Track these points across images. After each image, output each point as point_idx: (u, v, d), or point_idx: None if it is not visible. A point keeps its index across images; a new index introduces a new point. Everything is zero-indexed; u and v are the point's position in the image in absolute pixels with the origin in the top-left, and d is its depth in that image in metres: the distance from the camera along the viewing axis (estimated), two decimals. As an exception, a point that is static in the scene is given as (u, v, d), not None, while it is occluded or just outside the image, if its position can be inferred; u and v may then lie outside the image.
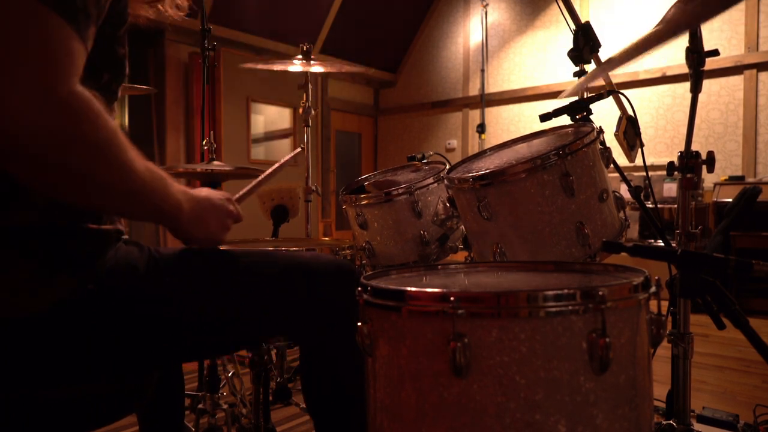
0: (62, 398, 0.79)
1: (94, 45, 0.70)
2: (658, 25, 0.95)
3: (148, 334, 0.82)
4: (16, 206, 0.72)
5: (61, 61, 0.62)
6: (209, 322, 0.88)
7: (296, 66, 2.43)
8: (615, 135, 1.58)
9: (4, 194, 0.72)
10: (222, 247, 0.99)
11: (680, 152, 1.21)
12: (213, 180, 2.04)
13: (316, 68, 2.45)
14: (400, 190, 1.54)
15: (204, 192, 0.92)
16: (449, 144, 6.69)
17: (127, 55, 0.84)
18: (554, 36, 5.80)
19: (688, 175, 1.19)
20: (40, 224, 0.74)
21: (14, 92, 0.58)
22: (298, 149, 1.39)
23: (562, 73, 5.61)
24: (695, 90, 1.20)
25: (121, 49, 0.81)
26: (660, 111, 5.21)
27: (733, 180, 4.40)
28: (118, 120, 4.89)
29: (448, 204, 1.42)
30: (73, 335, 0.76)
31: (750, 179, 4.53)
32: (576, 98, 1.49)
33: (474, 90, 6.47)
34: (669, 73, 5.07)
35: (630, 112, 1.59)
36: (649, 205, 4.06)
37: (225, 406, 1.83)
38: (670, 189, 4.57)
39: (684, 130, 1.22)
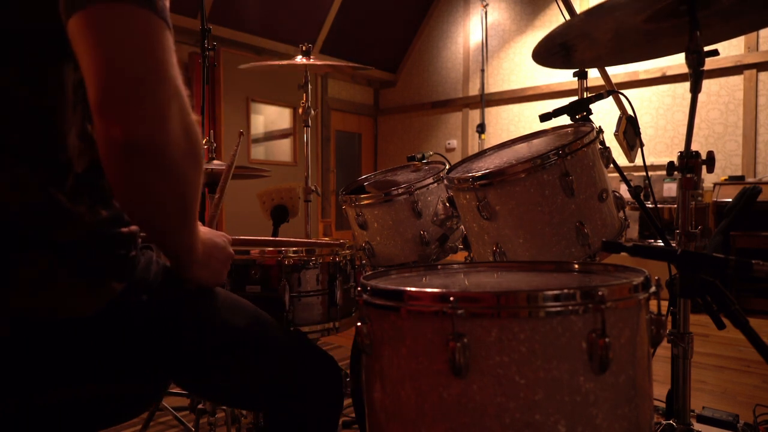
0: (88, 396, 0.81)
1: None
2: None
3: (174, 354, 0.86)
4: (68, 227, 0.75)
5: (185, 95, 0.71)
6: (222, 360, 0.91)
7: (296, 64, 2.43)
8: (615, 135, 1.58)
9: (58, 219, 0.74)
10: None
11: (680, 152, 1.20)
12: (213, 179, 2.04)
13: (316, 64, 2.45)
14: (400, 190, 1.54)
15: (207, 233, 0.92)
16: (449, 144, 6.69)
17: None
18: (554, 36, 5.80)
19: (688, 175, 1.19)
20: (85, 239, 0.76)
21: (167, 112, 0.65)
22: (239, 136, 1.31)
23: (562, 73, 5.60)
24: (695, 90, 1.19)
25: None
26: (660, 111, 5.21)
27: (733, 180, 4.40)
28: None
29: (447, 204, 1.42)
30: (117, 339, 0.79)
31: (750, 179, 4.53)
32: (576, 98, 1.49)
33: (474, 90, 6.47)
34: (669, 73, 5.07)
35: (630, 112, 1.59)
36: (649, 205, 4.06)
37: (225, 406, 1.83)
38: (670, 189, 4.57)
39: (684, 130, 1.22)
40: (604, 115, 4.70)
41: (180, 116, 0.67)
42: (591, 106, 1.46)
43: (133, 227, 0.81)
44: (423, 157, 1.83)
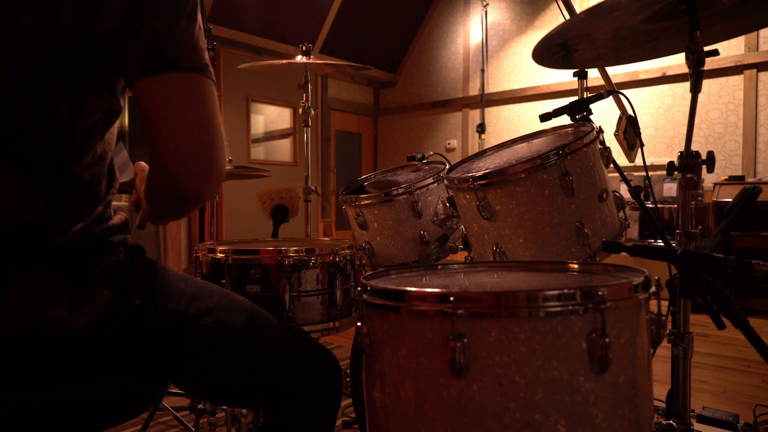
0: (88, 397, 0.82)
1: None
2: None
3: (173, 354, 0.87)
4: (60, 239, 0.75)
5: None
6: (221, 357, 0.92)
7: (296, 64, 2.43)
8: (615, 135, 1.58)
9: (53, 231, 0.75)
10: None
11: (680, 152, 1.20)
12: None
13: (316, 63, 2.45)
14: (400, 190, 1.54)
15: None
16: (449, 144, 6.69)
17: None
18: (554, 36, 5.80)
19: (688, 175, 1.19)
20: (75, 251, 0.77)
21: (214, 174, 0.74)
22: None
23: (562, 73, 5.60)
24: (695, 90, 1.19)
25: None
26: (660, 111, 5.21)
27: (733, 180, 4.40)
28: (119, 121, 4.88)
29: (448, 204, 1.42)
30: (115, 343, 0.81)
31: (750, 179, 4.53)
32: (576, 98, 1.49)
33: (474, 90, 6.47)
34: (669, 72, 5.07)
35: (630, 112, 1.59)
36: (649, 205, 4.06)
37: (225, 406, 1.83)
38: (670, 189, 4.57)
39: (684, 130, 1.22)
40: (604, 115, 4.69)
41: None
42: (591, 106, 1.46)
43: (120, 236, 0.83)
44: (423, 157, 1.83)
